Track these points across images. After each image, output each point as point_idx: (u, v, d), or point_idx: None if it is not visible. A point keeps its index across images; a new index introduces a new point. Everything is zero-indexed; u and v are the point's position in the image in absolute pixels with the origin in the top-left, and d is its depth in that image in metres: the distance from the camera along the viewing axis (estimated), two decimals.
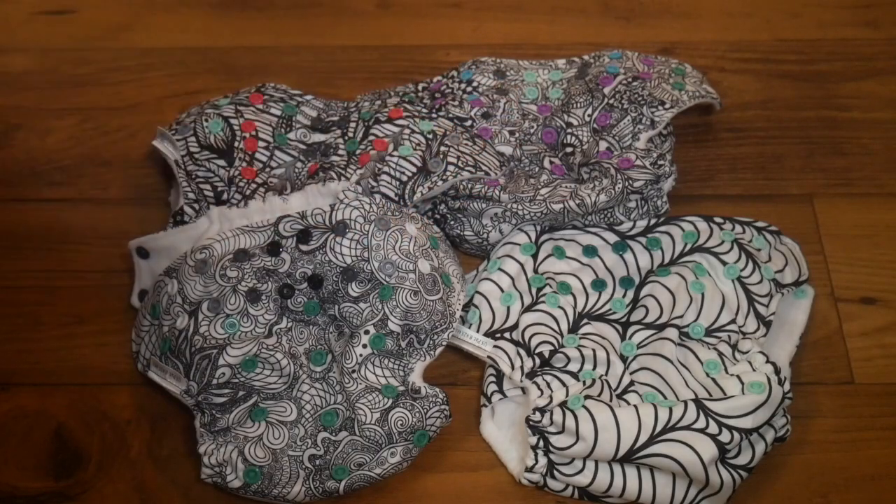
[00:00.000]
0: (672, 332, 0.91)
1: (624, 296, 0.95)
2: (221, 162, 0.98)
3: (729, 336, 0.91)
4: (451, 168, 0.96)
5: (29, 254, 1.00)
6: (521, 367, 0.90)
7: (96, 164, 1.06)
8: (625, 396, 0.89)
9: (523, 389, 0.90)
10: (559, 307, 0.93)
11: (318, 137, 1.00)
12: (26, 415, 0.91)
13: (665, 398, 0.89)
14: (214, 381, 0.86)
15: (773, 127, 1.09)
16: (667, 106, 0.99)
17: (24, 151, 1.07)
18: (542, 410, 0.86)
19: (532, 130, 1.02)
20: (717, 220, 0.97)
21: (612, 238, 0.97)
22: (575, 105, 1.01)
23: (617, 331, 0.93)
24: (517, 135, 1.02)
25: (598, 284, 0.95)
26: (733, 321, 0.92)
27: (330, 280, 0.89)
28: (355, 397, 0.87)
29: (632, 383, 0.90)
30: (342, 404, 0.87)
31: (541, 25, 1.17)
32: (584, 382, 0.88)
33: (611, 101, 1.00)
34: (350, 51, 1.14)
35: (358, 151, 0.97)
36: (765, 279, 0.94)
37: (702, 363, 0.90)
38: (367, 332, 0.88)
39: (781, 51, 1.14)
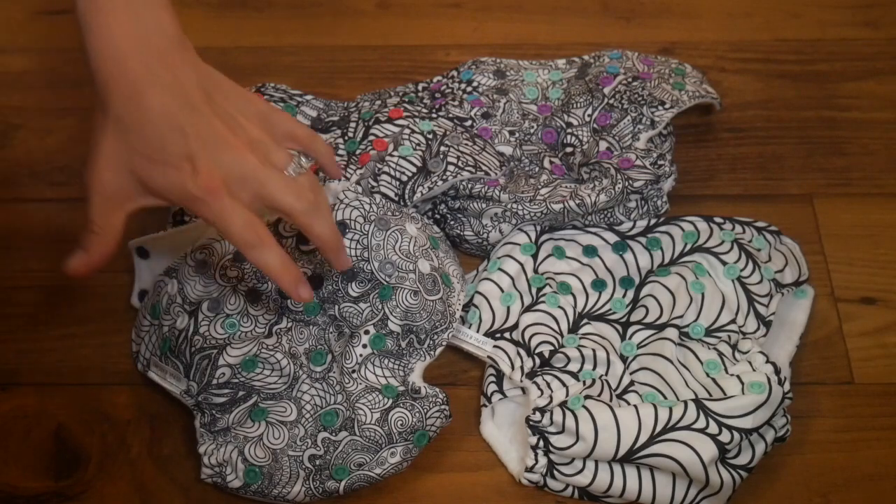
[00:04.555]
0: (672, 332, 0.91)
1: (624, 296, 0.95)
2: None
3: (729, 336, 0.91)
4: (451, 168, 0.96)
5: (29, 254, 1.00)
6: (521, 367, 0.90)
7: None
8: (625, 396, 0.89)
9: (523, 389, 0.90)
10: (559, 307, 0.93)
11: None
12: (26, 415, 0.91)
13: (665, 398, 0.89)
14: (214, 381, 0.86)
15: (773, 127, 1.09)
16: (667, 106, 0.99)
17: (24, 151, 1.07)
18: (542, 410, 0.86)
19: (532, 130, 1.02)
20: (717, 220, 0.97)
21: (612, 238, 0.97)
22: (575, 105, 1.01)
23: (617, 331, 0.93)
24: (517, 135, 1.02)
25: (598, 284, 0.95)
26: (733, 321, 0.92)
27: (330, 280, 0.89)
28: (355, 397, 0.87)
29: (632, 383, 0.90)
30: (342, 404, 0.87)
31: (541, 25, 1.17)
32: (584, 382, 0.88)
33: (611, 101, 1.00)
34: (350, 51, 1.14)
35: (358, 151, 0.97)
36: (765, 279, 0.94)
37: (702, 363, 0.90)
38: (367, 332, 0.88)
39: (781, 51, 1.14)
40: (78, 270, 0.76)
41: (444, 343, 0.89)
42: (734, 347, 0.91)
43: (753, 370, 0.88)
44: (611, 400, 0.87)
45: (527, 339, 0.91)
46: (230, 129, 0.74)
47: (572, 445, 0.85)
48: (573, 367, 0.90)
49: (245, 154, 0.74)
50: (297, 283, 0.78)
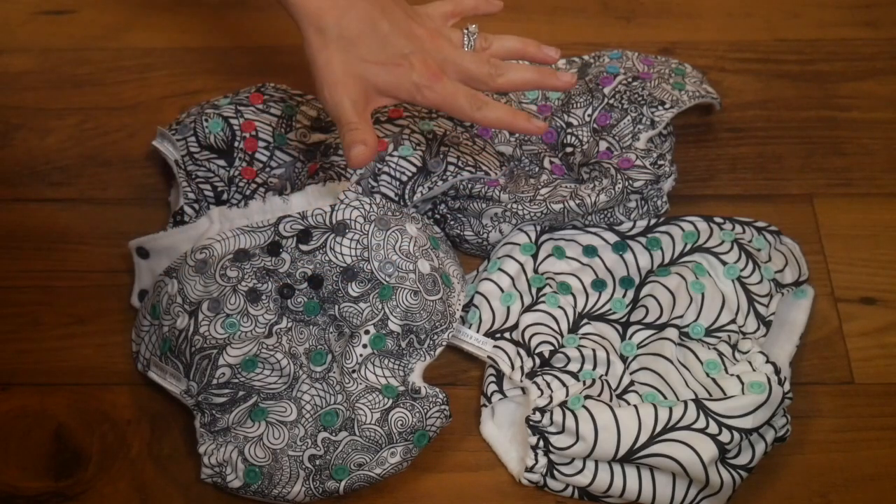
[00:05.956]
0: (672, 332, 0.91)
1: (624, 296, 0.95)
2: (221, 162, 0.98)
3: (729, 336, 0.91)
4: (451, 168, 0.96)
5: (29, 254, 1.00)
6: (521, 367, 0.90)
7: (96, 164, 1.06)
8: (625, 396, 0.89)
9: (523, 389, 0.90)
10: (559, 307, 0.93)
11: (318, 137, 1.00)
12: (26, 415, 0.91)
13: (665, 398, 0.89)
14: (214, 381, 0.86)
15: (773, 127, 1.09)
16: (667, 106, 0.99)
17: (24, 151, 1.07)
18: (542, 410, 0.86)
19: None
20: (717, 220, 0.97)
21: (612, 238, 0.97)
22: (575, 105, 1.01)
23: (617, 331, 0.93)
24: (517, 134, 1.02)
25: (598, 284, 0.95)
26: (733, 321, 0.92)
27: (330, 280, 0.89)
28: (355, 397, 0.87)
29: (632, 383, 0.90)
30: (342, 404, 0.87)
31: (541, 25, 1.17)
32: (584, 382, 0.88)
33: (611, 101, 1.00)
34: None
35: None
36: (765, 279, 0.94)
37: (702, 363, 0.90)
38: (367, 332, 0.88)
39: (781, 51, 1.14)
40: (366, 159, 0.84)
41: (444, 343, 0.89)
42: (734, 347, 0.91)
43: (753, 370, 0.88)
44: (611, 400, 0.87)
45: (527, 339, 0.91)
46: (418, 23, 0.88)
47: (572, 445, 0.85)
48: (573, 367, 0.90)
49: (438, 41, 0.88)
50: (529, 118, 0.89)
